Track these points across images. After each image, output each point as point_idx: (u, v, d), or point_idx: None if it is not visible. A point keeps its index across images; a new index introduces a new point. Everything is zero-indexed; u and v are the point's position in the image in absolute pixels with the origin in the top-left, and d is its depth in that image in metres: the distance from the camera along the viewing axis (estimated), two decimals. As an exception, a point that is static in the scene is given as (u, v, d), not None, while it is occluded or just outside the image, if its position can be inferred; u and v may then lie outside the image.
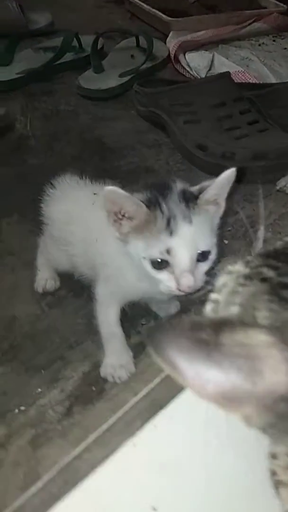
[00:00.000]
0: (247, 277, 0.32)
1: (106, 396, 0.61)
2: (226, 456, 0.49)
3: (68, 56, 1.38)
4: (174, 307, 0.73)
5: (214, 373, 0.25)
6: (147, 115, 1.15)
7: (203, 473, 0.49)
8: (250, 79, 1.27)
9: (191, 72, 1.36)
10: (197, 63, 1.35)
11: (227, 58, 1.37)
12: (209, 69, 1.34)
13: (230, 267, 0.34)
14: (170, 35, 1.50)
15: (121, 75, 1.28)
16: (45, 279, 0.76)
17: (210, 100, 1.03)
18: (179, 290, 0.55)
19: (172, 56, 1.41)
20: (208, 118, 1.03)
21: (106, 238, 0.61)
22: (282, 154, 0.98)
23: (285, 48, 1.56)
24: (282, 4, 1.69)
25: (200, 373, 0.26)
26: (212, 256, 0.57)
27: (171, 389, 0.57)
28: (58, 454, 0.55)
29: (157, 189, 0.57)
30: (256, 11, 1.67)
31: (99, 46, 1.38)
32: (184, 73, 1.38)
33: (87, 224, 0.67)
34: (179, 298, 0.75)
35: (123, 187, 0.56)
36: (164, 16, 1.56)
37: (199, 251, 0.55)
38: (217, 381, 0.25)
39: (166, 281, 0.56)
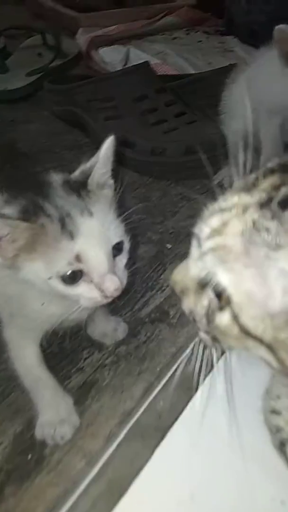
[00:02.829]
0: None
1: (48, 466, 0.47)
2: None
3: None
4: (121, 332, 0.61)
5: None
6: (63, 114, 1.03)
7: None
8: (170, 70, 1.20)
9: (106, 68, 1.27)
10: (112, 58, 1.26)
11: (142, 52, 1.29)
12: (125, 63, 1.25)
13: None
14: (79, 31, 1.40)
15: (28, 74, 1.16)
16: None
17: (131, 93, 0.93)
18: (106, 297, 0.44)
19: (84, 52, 1.30)
20: (131, 112, 0.93)
21: None
22: (215, 146, 0.89)
23: (200, 41, 1.52)
24: (190, -2, 1.65)
25: None
26: (127, 245, 0.47)
27: (130, 460, 0.44)
28: None
29: (32, 191, 0.44)
30: (166, 4, 1.62)
31: (0, 46, 1.25)
32: (98, 69, 1.28)
33: None
34: (125, 319, 0.64)
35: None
36: (72, 11, 1.45)
37: (112, 245, 0.44)
38: None
39: (85, 294, 0.44)
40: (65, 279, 0.42)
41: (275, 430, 0.45)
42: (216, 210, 0.30)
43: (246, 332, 0.28)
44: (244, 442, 0.41)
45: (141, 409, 0.46)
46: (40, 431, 0.50)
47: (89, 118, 0.95)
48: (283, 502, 0.38)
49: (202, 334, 0.34)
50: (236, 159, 0.35)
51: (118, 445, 0.44)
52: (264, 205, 0.27)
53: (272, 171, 0.29)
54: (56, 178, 0.46)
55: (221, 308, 0.30)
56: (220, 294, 0.30)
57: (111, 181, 0.48)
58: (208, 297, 0.31)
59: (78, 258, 0.42)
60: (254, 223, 0.27)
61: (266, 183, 0.28)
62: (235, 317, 0.28)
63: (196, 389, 0.43)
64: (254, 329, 0.27)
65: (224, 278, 0.28)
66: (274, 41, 0.68)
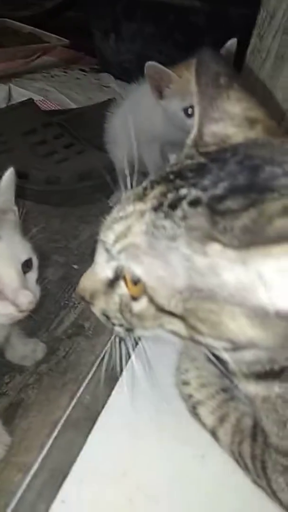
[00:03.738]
0: None
1: (-15, 486, 0.48)
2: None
3: None
4: (40, 351, 0.64)
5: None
6: None
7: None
8: (53, 106, 1.26)
9: (-11, 106, 1.29)
10: (-7, 96, 1.28)
11: (24, 89, 1.34)
12: (9, 101, 1.28)
13: None
14: None
15: None
16: None
17: (19, 127, 0.97)
18: (22, 311, 0.47)
19: None
20: (21, 146, 0.97)
21: None
22: (105, 172, 0.98)
23: (78, 78, 1.62)
24: (64, 39, 1.75)
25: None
26: (35, 262, 0.51)
27: (67, 449, 0.48)
28: None
29: None
30: (41, 45, 1.70)
31: None
32: (-18, 108, 1.30)
33: None
34: (42, 339, 0.67)
35: None
36: None
37: (21, 262, 0.49)
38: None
39: (2, 311, 0.47)
40: None
41: (187, 398, 0.53)
42: (116, 218, 0.36)
43: (161, 310, 0.33)
44: (164, 415, 0.47)
45: (70, 406, 0.50)
46: (-28, 456, 0.50)
47: (-21, 153, 0.97)
48: (203, 456, 0.45)
49: (117, 328, 0.40)
50: (124, 178, 0.42)
51: (55, 438, 0.47)
52: (157, 208, 0.33)
53: (157, 182, 0.35)
54: None
55: (134, 299, 0.35)
56: (135, 283, 0.35)
57: (15, 207, 0.52)
58: (117, 295, 0.37)
59: None
60: (152, 223, 0.33)
61: (155, 192, 0.34)
62: (151, 300, 0.34)
63: (117, 379, 0.48)
64: (167, 306, 0.33)
65: (137, 270, 0.34)
66: (146, 76, 0.77)
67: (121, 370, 0.45)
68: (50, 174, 0.93)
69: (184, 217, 0.31)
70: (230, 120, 0.38)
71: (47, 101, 1.27)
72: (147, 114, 0.86)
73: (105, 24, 1.61)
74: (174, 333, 0.35)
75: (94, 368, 0.55)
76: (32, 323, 0.63)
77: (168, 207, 0.32)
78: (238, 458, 0.48)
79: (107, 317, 0.40)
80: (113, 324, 0.40)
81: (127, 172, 0.42)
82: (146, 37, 1.55)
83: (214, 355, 0.35)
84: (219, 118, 0.38)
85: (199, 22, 1.51)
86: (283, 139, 0.37)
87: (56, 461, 0.46)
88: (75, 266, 0.83)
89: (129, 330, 0.39)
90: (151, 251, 0.33)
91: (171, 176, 0.35)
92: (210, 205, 0.31)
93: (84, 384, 0.54)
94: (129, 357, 0.44)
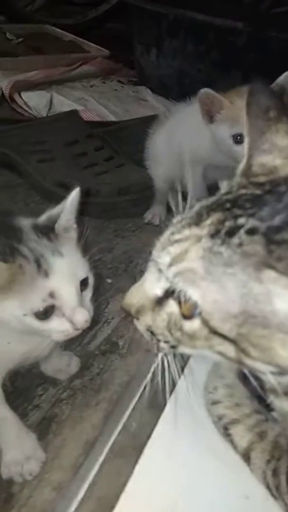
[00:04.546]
0: None
1: (18, 502, 0.48)
2: None
3: None
4: (74, 366, 0.64)
5: None
6: (-7, 156, 1.04)
7: None
8: (93, 117, 1.28)
9: (30, 111, 1.31)
10: (35, 102, 1.30)
11: (65, 98, 1.36)
12: (50, 108, 1.30)
13: None
14: (-1, 74, 1.43)
15: None
16: None
17: (62, 137, 0.99)
18: (77, 329, 0.48)
19: (7, 95, 1.33)
20: (63, 156, 0.98)
21: None
22: (143, 188, 0.99)
23: (115, 90, 1.64)
24: (104, 49, 1.78)
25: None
26: (91, 281, 0.52)
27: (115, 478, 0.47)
28: None
29: (4, 235, 0.48)
30: (82, 54, 1.73)
31: None
32: (22, 112, 1.32)
33: None
34: (76, 353, 0.67)
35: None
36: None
37: (80, 280, 0.49)
38: None
39: (58, 327, 0.47)
40: (38, 315, 0.46)
41: (217, 419, 0.52)
42: (171, 241, 0.37)
43: (214, 332, 0.34)
44: (211, 444, 0.46)
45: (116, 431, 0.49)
46: (7, 470, 0.51)
47: (21, 159, 0.98)
48: (247, 497, 0.45)
49: (162, 344, 0.40)
50: (162, 196, 0.43)
51: (101, 465, 0.47)
52: (214, 235, 0.34)
53: (213, 210, 0.37)
54: (25, 222, 0.50)
55: (186, 318, 0.36)
56: (180, 303, 0.36)
57: (75, 226, 0.53)
58: (166, 313, 0.38)
59: (51, 294, 0.46)
60: (209, 249, 0.34)
61: (212, 219, 0.36)
62: (205, 322, 0.35)
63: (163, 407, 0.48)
64: (221, 329, 0.34)
65: (194, 294, 0.34)
66: (198, 101, 0.78)
67: (167, 399, 0.44)
68: (91, 186, 0.93)
69: (241, 244, 0.32)
70: (278, 152, 0.39)
71: (88, 112, 1.29)
72: (194, 136, 0.87)
73: (148, 38, 1.63)
74: (222, 354, 0.36)
75: (138, 394, 0.55)
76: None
77: (225, 234, 0.34)
78: (271, 478, 0.48)
79: (152, 333, 0.40)
80: (158, 340, 0.40)
81: (178, 195, 0.43)
82: (186, 55, 1.57)
83: (252, 374, 0.36)
84: (268, 150, 0.40)
85: (237, 42, 1.52)
86: None
87: (103, 490, 0.46)
88: (109, 280, 0.84)
89: (174, 347, 0.39)
90: (208, 276, 0.34)
91: (228, 205, 0.36)
92: (267, 234, 0.32)
93: (129, 410, 0.53)
94: (174, 385, 0.43)
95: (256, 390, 0.39)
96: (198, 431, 0.47)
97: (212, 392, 0.56)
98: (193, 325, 0.36)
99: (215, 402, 0.55)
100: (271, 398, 0.43)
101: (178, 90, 1.69)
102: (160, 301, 0.38)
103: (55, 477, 0.51)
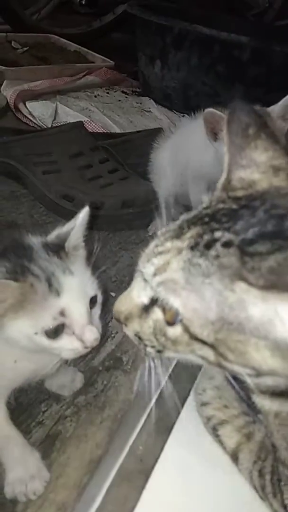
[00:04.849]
0: None
1: (23, 522, 0.48)
2: None
3: None
4: (78, 381, 0.64)
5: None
6: (-3, 166, 1.04)
7: None
8: (97, 128, 1.28)
9: (34, 121, 1.31)
10: (40, 112, 1.31)
11: (69, 108, 1.37)
12: (54, 119, 1.31)
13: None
14: (4, 84, 1.43)
15: None
16: None
17: (68, 149, 0.99)
18: (86, 347, 0.48)
19: (11, 105, 1.34)
20: (68, 168, 0.98)
21: None
22: (147, 200, 0.99)
23: (119, 100, 1.65)
24: (109, 60, 1.79)
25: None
26: (100, 298, 0.52)
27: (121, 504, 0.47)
28: None
29: (14, 253, 0.48)
30: (86, 64, 1.73)
31: None
32: (27, 122, 1.33)
33: None
34: (79, 369, 0.66)
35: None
36: (-3, 65, 1.48)
37: (89, 298, 0.49)
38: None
39: (68, 346, 0.47)
40: (49, 333, 0.46)
41: (206, 421, 0.54)
42: (155, 253, 0.39)
43: (194, 338, 0.37)
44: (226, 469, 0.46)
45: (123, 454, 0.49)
46: (11, 490, 0.50)
47: (26, 170, 0.98)
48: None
49: (149, 349, 0.42)
50: (161, 213, 0.46)
51: (108, 490, 0.47)
52: (193, 247, 0.36)
53: (193, 223, 0.39)
54: (34, 240, 0.50)
55: (169, 324, 0.39)
56: (164, 310, 0.39)
57: (83, 244, 0.53)
58: (152, 319, 0.40)
59: (62, 312, 0.46)
60: (189, 260, 0.36)
61: (192, 232, 0.38)
62: (186, 329, 0.37)
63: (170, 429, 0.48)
64: (200, 335, 0.36)
65: (175, 303, 0.37)
66: (203, 120, 0.79)
67: (174, 422, 0.44)
68: (95, 198, 0.93)
69: (217, 256, 0.35)
70: (256, 167, 0.41)
71: (92, 123, 1.29)
72: (198, 152, 0.87)
73: (152, 50, 1.65)
74: (203, 358, 0.38)
75: (145, 415, 0.54)
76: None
77: (203, 247, 0.36)
78: (257, 479, 0.50)
79: (140, 338, 0.42)
80: (145, 345, 0.42)
81: (162, 204, 0.47)
82: (191, 67, 1.58)
83: (233, 376, 0.38)
84: (247, 165, 0.42)
85: (242, 56, 1.54)
86: None
87: None
88: (113, 294, 0.83)
89: (160, 351, 0.41)
90: (188, 286, 0.36)
91: (206, 219, 0.38)
92: (241, 247, 0.34)
93: (135, 432, 0.53)
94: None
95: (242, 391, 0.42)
96: (208, 454, 0.46)
97: (201, 393, 0.58)
98: (176, 331, 0.38)
99: (204, 404, 0.57)
100: (254, 398, 0.45)
101: (182, 102, 1.71)
102: (146, 309, 0.40)
103: (60, 497, 0.50)
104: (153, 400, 0.51)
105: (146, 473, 0.48)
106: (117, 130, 1.37)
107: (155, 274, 0.38)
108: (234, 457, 0.52)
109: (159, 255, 0.38)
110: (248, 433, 0.53)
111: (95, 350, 0.71)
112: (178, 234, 0.39)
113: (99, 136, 1.17)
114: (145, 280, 0.39)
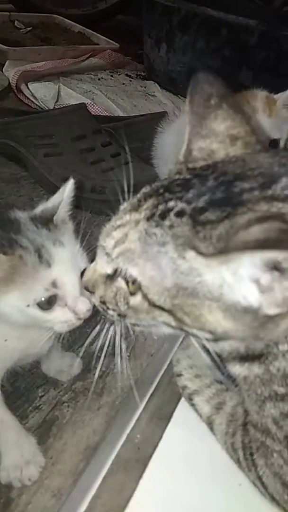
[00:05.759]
0: None
1: (16, 509, 0.47)
2: None
3: None
4: (77, 367, 0.63)
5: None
6: (-2, 147, 1.02)
7: None
8: (100, 111, 1.26)
9: (37, 102, 1.29)
10: (42, 93, 1.28)
11: (72, 91, 1.34)
12: (56, 101, 1.28)
13: None
14: (6, 64, 1.40)
15: None
16: None
17: (70, 132, 0.97)
18: (79, 319, 0.48)
19: (13, 86, 1.31)
20: (70, 151, 0.96)
21: None
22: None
23: (123, 84, 1.61)
24: (113, 42, 1.75)
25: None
26: None
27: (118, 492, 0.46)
28: None
29: (0, 227, 0.47)
30: (91, 46, 1.70)
31: None
32: (29, 103, 1.30)
33: None
34: (78, 354, 0.65)
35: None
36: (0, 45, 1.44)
37: (81, 271, 0.48)
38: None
39: (61, 317, 0.47)
40: (41, 305, 0.45)
41: (182, 390, 0.56)
42: (115, 227, 0.40)
43: (153, 305, 0.38)
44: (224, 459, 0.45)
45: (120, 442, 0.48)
46: (5, 475, 0.49)
47: (27, 153, 0.96)
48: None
49: (111, 312, 0.44)
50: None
51: (104, 478, 0.46)
52: (149, 218, 0.37)
53: (149, 195, 0.40)
54: (21, 214, 0.49)
55: (131, 294, 0.40)
56: (128, 282, 0.40)
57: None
58: (115, 286, 0.41)
59: (54, 283, 0.45)
60: (145, 231, 0.37)
61: (148, 204, 0.39)
62: (145, 296, 0.39)
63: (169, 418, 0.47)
64: (158, 301, 0.38)
65: (133, 272, 0.38)
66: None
67: (173, 410, 0.43)
68: (96, 183, 0.92)
69: (171, 226, 0.36)
70: (215, 137, 0.42)
71: (95, 106, 1.26)
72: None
73: (158, 33, 1.61)
74: (165, 324, 0.40)
75: (143, 404, 0.53)
76: (68, 336, 0.62)
77: (158, 217, 0.37)
78: (232, 452, 0.50)
79: (104, 303, 0.44)
80: (108, 308, 0.44)
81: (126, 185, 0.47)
82: (197, 51, 1.55)
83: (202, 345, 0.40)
84: (206, 135, 0.42)
85: (249, 40, 1.50)
86: (254, 155, 0.40)
87: (106, 505, 0.45)
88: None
89: (121, 315, 0.43)
90: (144, 255, 0.37)
91: (161, 190, 0.39)
92: (193, 216, 0.35)
93: (133, 420, 0.52)
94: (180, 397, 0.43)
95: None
96: (207, 443, 0.45)
97: (176, 364, 0.60)
98: (136, 299, 0.39)
99: (178, 374, 0.59)
100: (226, 365, 0.46)
101: (187, 87, 1.67)
102: (111, 278, 0.42)
103: (55, 483, 0.50)
104: (153, 387, 0.50)
105: (143, 462, 0.48)
106: (120, 113, 1.34)
107: (115, 247, 0.39)
108: (210, 426, 0.53)
109: (118, 228, 0.40)
110: (217, 403, 0.54)
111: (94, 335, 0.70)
112: (136, 206, 0.40)
113: (102, 119, 1.15)
114: (107, 254, 0.40)
